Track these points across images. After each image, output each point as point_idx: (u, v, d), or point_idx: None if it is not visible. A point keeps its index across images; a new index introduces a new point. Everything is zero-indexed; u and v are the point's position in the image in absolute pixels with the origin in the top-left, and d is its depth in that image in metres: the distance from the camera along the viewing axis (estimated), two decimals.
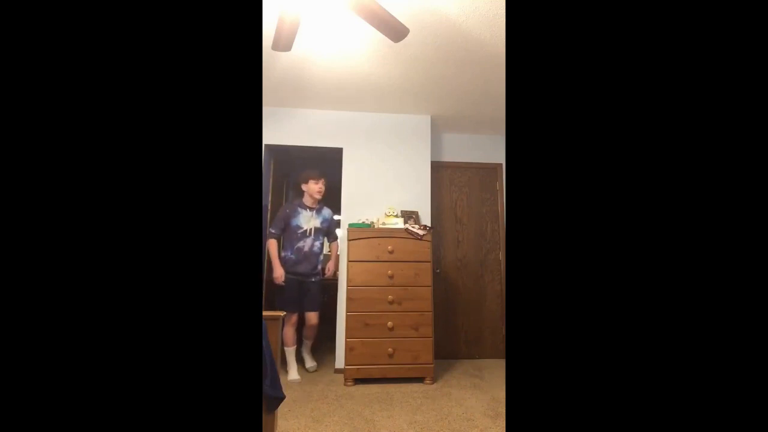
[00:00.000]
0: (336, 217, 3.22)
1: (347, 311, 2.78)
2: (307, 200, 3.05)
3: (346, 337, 2.76)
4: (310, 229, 2.98)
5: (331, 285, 3.49)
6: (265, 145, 3.29)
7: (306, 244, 2.95)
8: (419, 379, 2.76)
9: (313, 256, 2.99)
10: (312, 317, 2.98)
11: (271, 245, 2.99)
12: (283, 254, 2.98)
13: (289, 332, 2.90)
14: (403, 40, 1.96)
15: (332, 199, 3.44)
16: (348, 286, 2.81)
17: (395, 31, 1.84)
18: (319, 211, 3.06)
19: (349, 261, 2.84)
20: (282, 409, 2.13)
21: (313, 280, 2.99)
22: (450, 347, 3.50)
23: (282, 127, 3.30)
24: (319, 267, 3.05)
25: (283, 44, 1.91)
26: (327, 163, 3.84)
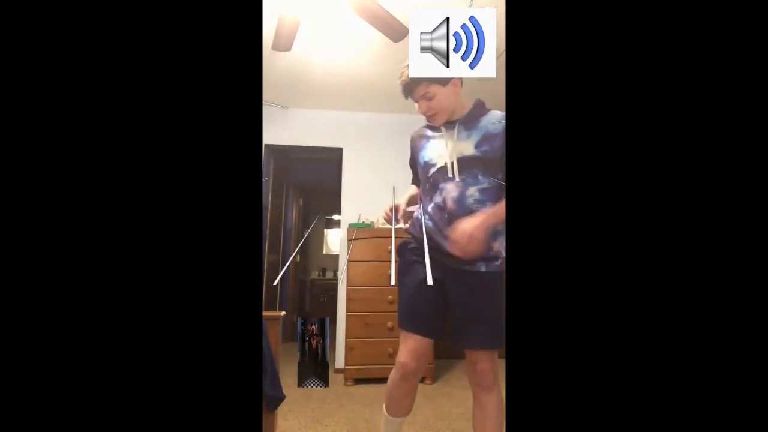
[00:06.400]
0: (336, 217, 3.18)
1: (347, 311, 2.78)
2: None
3: (346, 337, 2.76)
4: (451, 163, 1.28)
5: (331, 285, 3.48)
6: (265, 145, 3.29)
7: (447, 192, 1.26)
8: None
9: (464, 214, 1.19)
10: (480, 358, 1.23)
11: (410, 190, 1.58)
12: (416, 215, 1.39)
13: (397, 382, 1.28)
14: (404, 40, 1.96)
15: (332, 199, 3.43)
16: (348, 286, 2.81)
17: (395, 30, 1.84)
18: (467, 125, 1.34)
19: (349, 261, 2.84)
20: (282, 409, 2.12)
21: (482, 270, 1.22)
22: (450, 347, 3.49)
23: (282, 127, 3.30)
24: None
25: (283, 44, 1.91)
26: (327, 163, 3.84)
